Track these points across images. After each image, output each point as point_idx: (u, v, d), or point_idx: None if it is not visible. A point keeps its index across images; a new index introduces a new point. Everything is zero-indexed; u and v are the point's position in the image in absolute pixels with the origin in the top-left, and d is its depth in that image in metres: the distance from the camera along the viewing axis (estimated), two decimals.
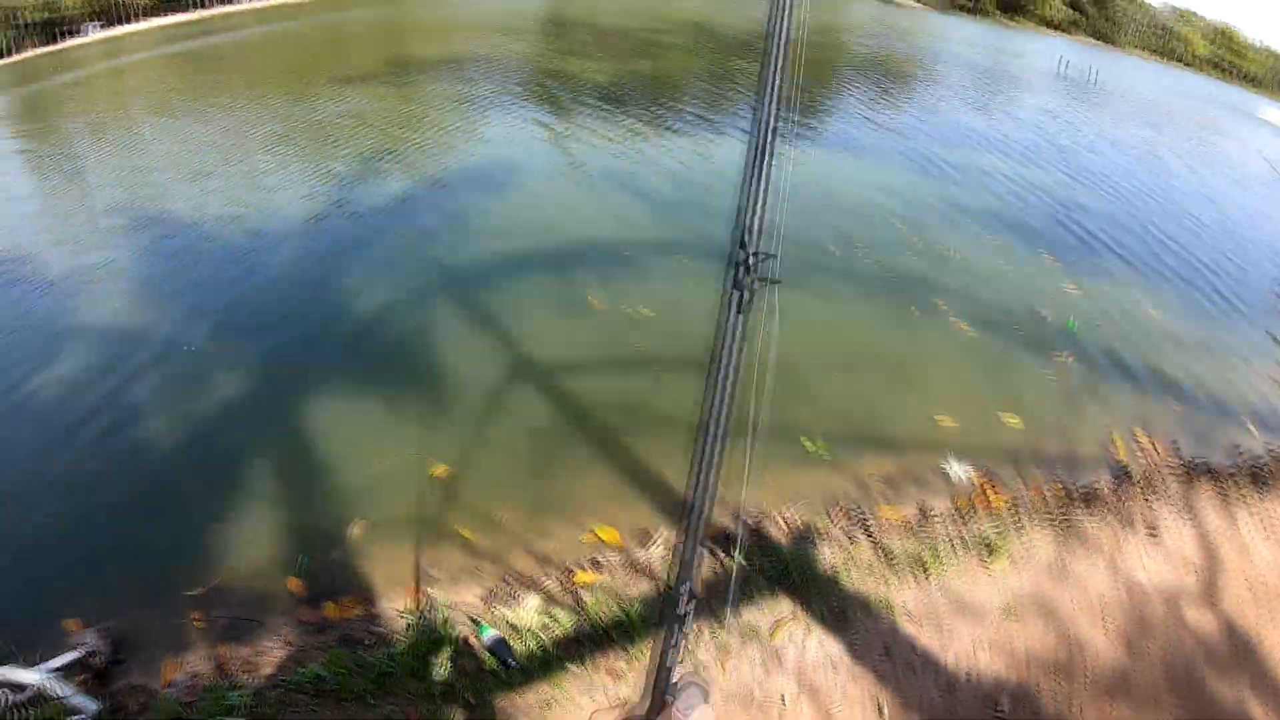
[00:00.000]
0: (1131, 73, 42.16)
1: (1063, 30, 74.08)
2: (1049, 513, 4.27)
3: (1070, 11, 76.67)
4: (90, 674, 3.57)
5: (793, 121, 13.74)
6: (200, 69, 29.65)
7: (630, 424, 5.16)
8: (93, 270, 7.84)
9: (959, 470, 4.71)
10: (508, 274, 7.34)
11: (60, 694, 3.32)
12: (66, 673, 3.45)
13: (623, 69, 19.71)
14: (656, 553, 4.02)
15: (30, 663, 3.43)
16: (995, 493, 4.59)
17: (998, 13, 74.43)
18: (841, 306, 6.90)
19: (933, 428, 5.20)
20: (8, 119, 24.70)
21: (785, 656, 3.25)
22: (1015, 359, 6.24)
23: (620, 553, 4.03)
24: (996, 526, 4.10)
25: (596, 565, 4.03)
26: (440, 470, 4.71)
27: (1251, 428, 5.78)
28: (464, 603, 3.75)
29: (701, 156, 11.39)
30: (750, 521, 4.20)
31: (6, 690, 3.37)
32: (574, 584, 3.90)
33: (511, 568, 4.00)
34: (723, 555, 3.87)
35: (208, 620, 3.80)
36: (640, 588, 3.73)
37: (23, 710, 3.28)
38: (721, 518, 4.24)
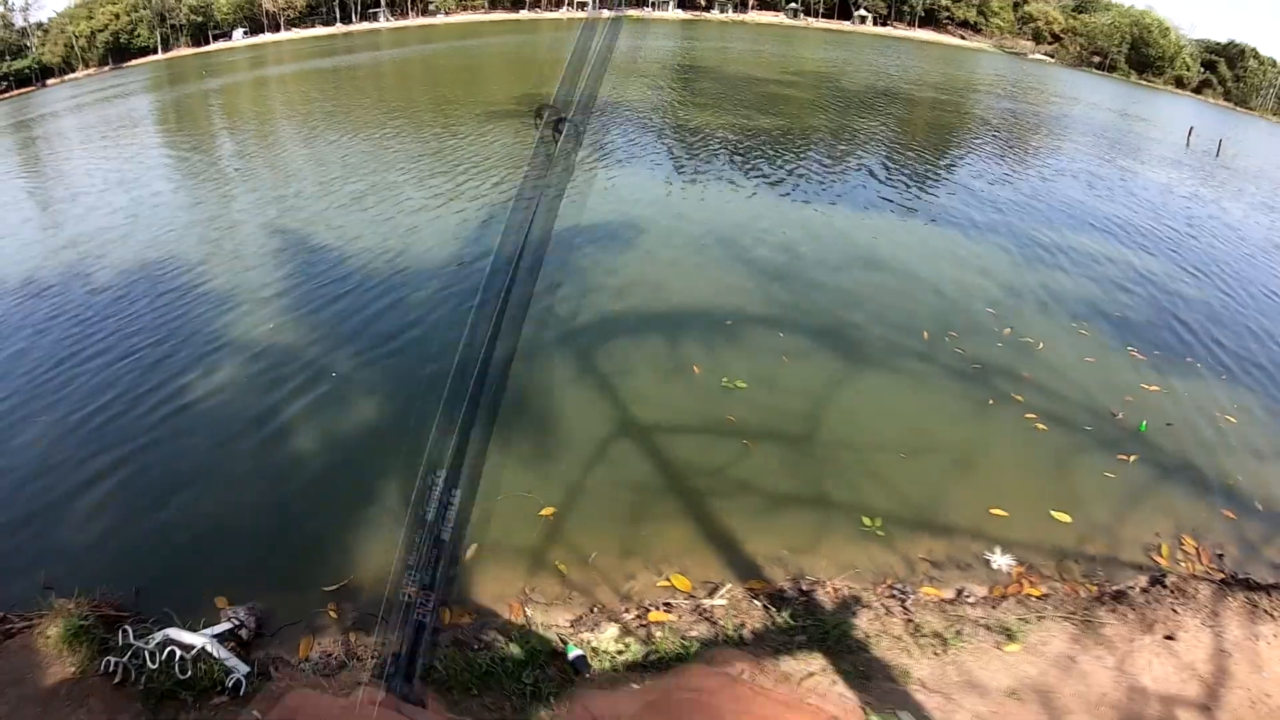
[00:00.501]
0: (1265, 144, 39.21)
1: (1195, 91, 69.62)
2: (1073, 609, 4.75)
3: (1203, 72, 71.94)
4: (237, 643, 4.45)
5: (904, 191, 14.20)
6: (341, 87, 32.48)
7: (714, 486, 6.02)
8: (251, 287, 9.36)
9: (1001, 560, 5.24)
10: (619, 332, 8.37)
11: (219, 656, 4.17)
12: (220, 639, 4.34)
13: (747, 124, 20.63)
14: (720, 603, 4.76)
15: (192, 628, 4.37)
16: (1030, 584, 5.09)
17: (1130, 70, 70.82)
18: (922, 393, 7.48)
19: (986, 517, 5.73)
20: (161, 123, 27.88)
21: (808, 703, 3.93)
22: (1080, 456, 6.63)
23: (689, 599, 4.79)
24: (1022, 615, 4.64)
25: (668, 607, 4.82)
26: (548, 510, 5.62)
27: None
28: (556, 624, 4.62)
29: (812, 229, 12.08)
30: (805, 586, 4.88)
31: (176, 647, 4.15)
32: (647, 620, 4.69)
33: (597, 600, 4.88)
34: (775, 613, 4.58)
35: (339, 610, 4.85)
36: (700, 629, 4.48)
37: (190, 665, 4.07)
38: (779, 578, 4.97)
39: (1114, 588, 5.17)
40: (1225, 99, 69.33)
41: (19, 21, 78.92)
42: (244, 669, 4.14)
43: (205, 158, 18.88)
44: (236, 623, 4.58)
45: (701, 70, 33.27)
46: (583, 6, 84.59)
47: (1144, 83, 67.96)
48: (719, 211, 12.61)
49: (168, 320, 9.06)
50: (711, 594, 4.96)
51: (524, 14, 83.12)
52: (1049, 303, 9.81)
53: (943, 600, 4.88)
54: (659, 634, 4.54)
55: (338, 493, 6.13)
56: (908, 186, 15.19)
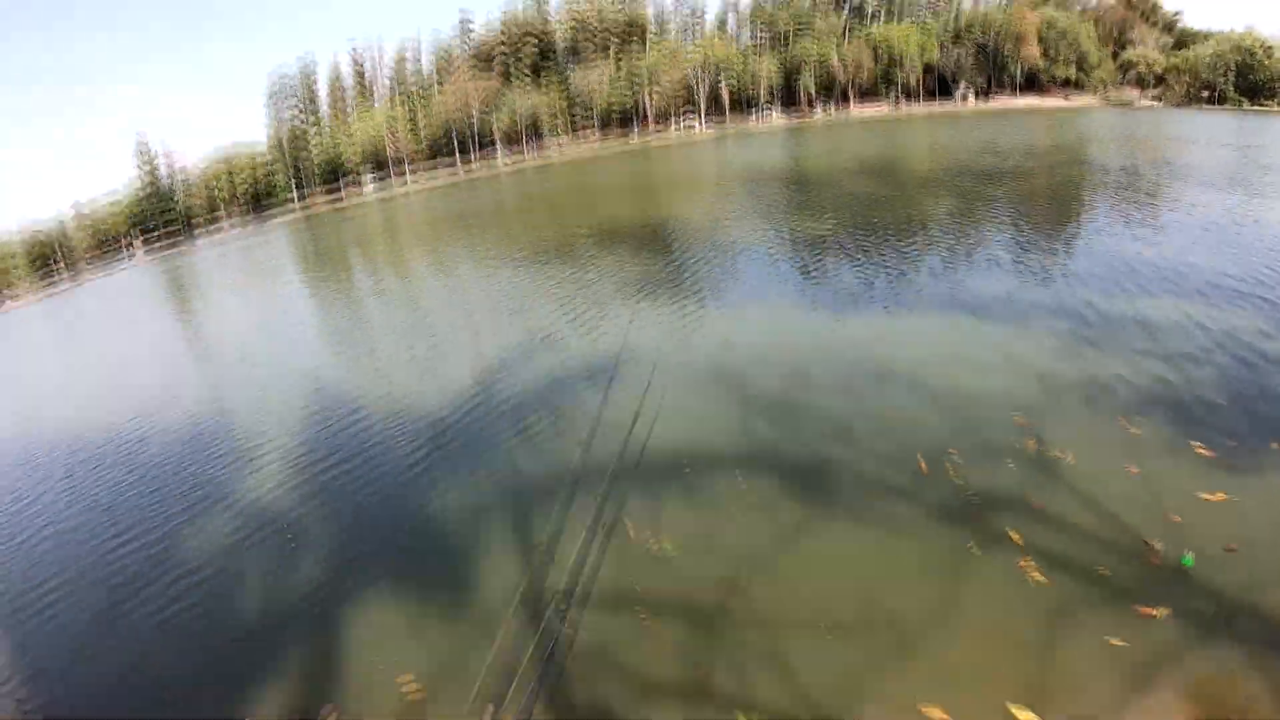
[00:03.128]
0: None
1: None
2: None
3: None
4: None
5: (948, 282, 12.59)
6: (469, 227, 34.78)
7: (590, 670, 5.18)
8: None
9: None
10: (569, 488, 7.61)
11: None
12: None
13: (796, 231, 19.38)
14: None
15: None
16: None
17: (1241, 99, 63.50)
18: (888, 545, 6.23)
19: (913, 718, 4.30)
20: (302, 266, 30.45)
21: None
22: (1082, 617, 5.09)
23: None
24: None
25: None
26: (412, 688, 4.93)
27: None
28: None
29: (828, 345, 11.09)
30: None
31: None
32: None
33: None
34: None
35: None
36: None
37: None
38: None
39: None
40: None
41: (164, 169, 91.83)
42: None
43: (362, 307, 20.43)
44: None
45: (778, 180, 32.57)
46: (691, 128, 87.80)
47: (1259, 108, 60.72)
48: (729, 338, 11.66)
49: None
50: None
51: (633, 140, 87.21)
52: (1096, 397, 8.07)
53: None
54: None
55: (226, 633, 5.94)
56: (959, 275, 13.49)
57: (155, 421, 12.92)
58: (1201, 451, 6.75)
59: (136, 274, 55.69)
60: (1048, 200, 20.97)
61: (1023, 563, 5.61)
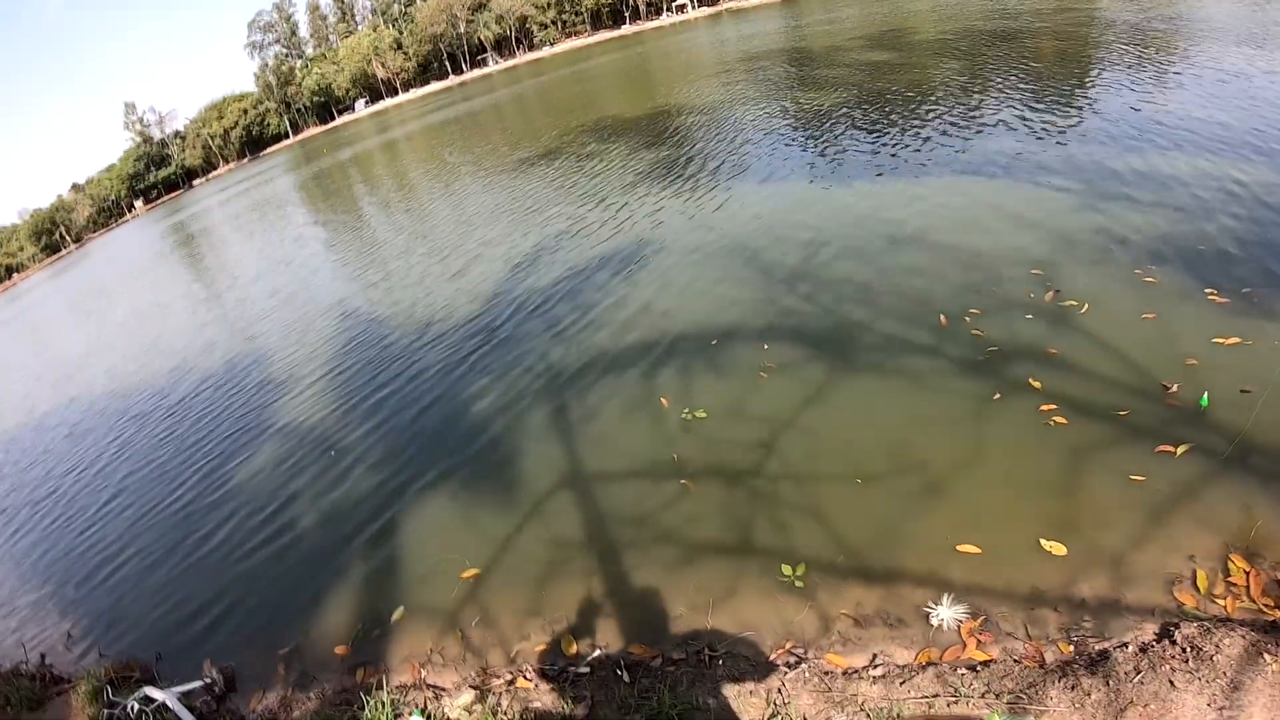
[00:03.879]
0: None
1: None
2: (1014, 683, 3.48)
3: None
4: (211, 697, 5.05)
5: (962, 145, 12.21)
6: (465, 135, 33.72)
7: (637, 537, 5.54)
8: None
9: (945, 614, 4.05)
10: (604, 372, 8.25)
11: (175, 708, 4.69)
12: (191, 695, 4.94)
13: (809, 105, 18.66)
14: (583, 670, 4.06)
15: (169, 686, 4.93)
16: (980, 645, 3.84)
17: None
18: (912, 398, 6.16)
19: (949, 555, 4.53)
20: (306, 200, 30.21)
21: None
22: (1103, 456, 5.05)
23: (563, 662, 4.24)
24: (934, 692, 3.45)
25: (541, 674, 4.20)
26: (471, 572, 5.55)
27: None
28: (444, 686, 4.47)
29: (844, 213, 10.85)
30: (675, 656, 3.99)
31: (139, 701, 4.83)
32: (515, 686, 4.12)
33: (488, 662, 4.54)
34: (627, 686, 3.83)
35: (288, 669, 5.20)
36: (547, 700, 3.84)
37: (148, 716, 4.73)
38: (668, 640, 4.21)
39: (1097, 646, 3.77)
40: None
41: (157, 134, 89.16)
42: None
43: (354, 223, 20.00)
44: (209, 679, 5.11)
45: (779, 52, 31.14)
46: (682, 9, 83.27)
47: None
48: (744, 215, 11.41)
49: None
50: (576, 661, 4.19)
51: (626, 29, 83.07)
52: (1112, 248, 7.76)
53: (844, 670, 3.75)
54: (506, 703, 3.88)
55: (298, 559, 6.64)
56: (968, 138, 12.96)
57: (193, 367, 13.02)
58: (1215, 298, 6.50)
59: (136, 227, 54.50)
60: (1056, 59, 19.94)
61: (1044, 408, 5.54)
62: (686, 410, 6.65)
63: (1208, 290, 6.78)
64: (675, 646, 4.22)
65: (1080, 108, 13.64)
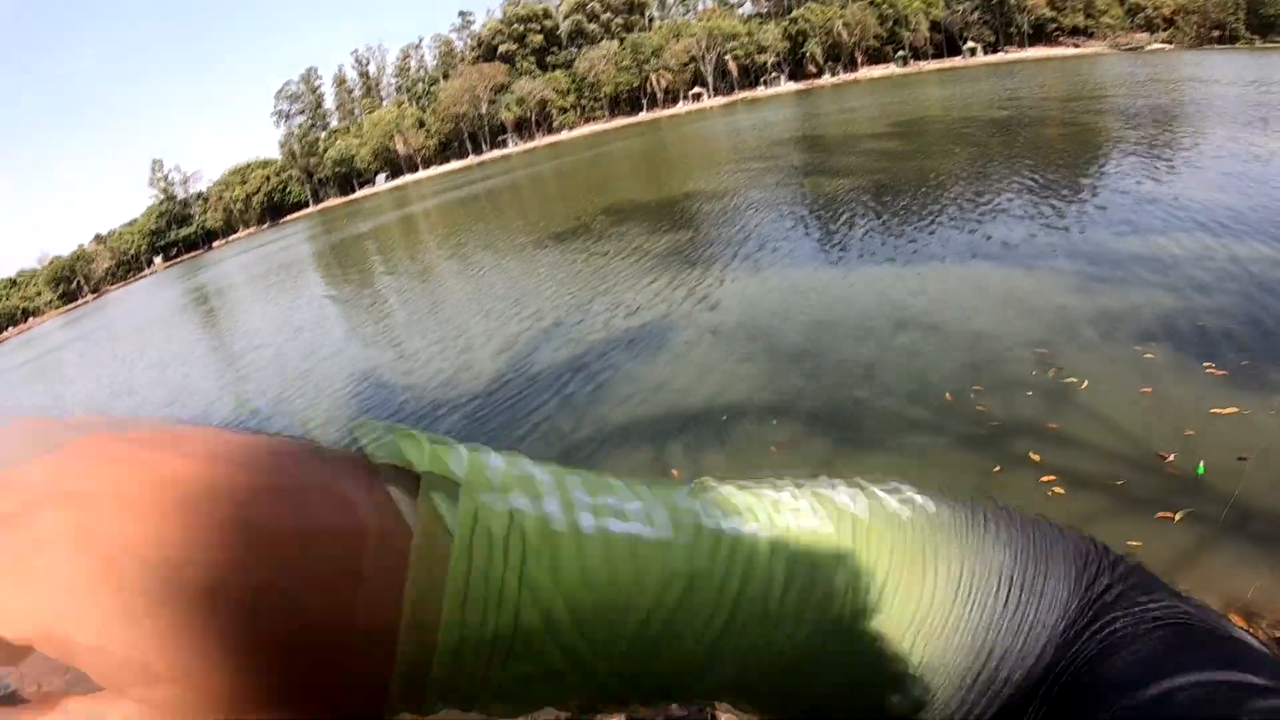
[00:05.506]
0: None
1: None
2: None
3: None
4: None
5: (968, 230, 12.89)
6: (480, 213, 35.23)
7: None
8: None
9: None
10: (618, 442, 8.39)
11: None
12: None
13: (823, 188, 19.67)
14: None
15: None
16: None
17: (1253, 36, 63.14)
18: (918, 470, 6.52)
19: None
20: (325, 268, 31.33)
21: None
22: (1101, 523, 5.36)
23: None
24: None
25: None
26: None
27: None
28: None
29: (848, 296, 11.46)
30: None
31: None
32: None
33: None
34: None
35: None
36: None
37: None
38: None
39: None
40: None
41: (180, 193, 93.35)
42: None
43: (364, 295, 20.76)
44: None
45: (792, 140, 32.75)
46: (698, 98, 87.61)
47: (1272, 45, 60.41)
48: (755, 297, 12.11)
49: None
50: None
51: (643, 115, 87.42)
52: (1111, 328, 8.31)
53: None
54: None
55: None
56: (975, 223, 13.74)
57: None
58: (1213, 371, 6.97)
59: (154, 282, 56.48)
60: (1061, 145, 21.00)
61: (1044, 479, 5.93)
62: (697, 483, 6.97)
63: (1206, 364, 7.22)
64: None
65: (1084, 192, 14.44)
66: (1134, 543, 5.11)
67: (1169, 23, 71.50)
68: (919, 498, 0.53)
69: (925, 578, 0.43)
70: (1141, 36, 71.24)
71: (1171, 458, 5.90)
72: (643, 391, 9.50)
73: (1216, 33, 66.67)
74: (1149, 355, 7.53)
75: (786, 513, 0.44)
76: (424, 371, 12.60)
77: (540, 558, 0.32)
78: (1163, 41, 69.57)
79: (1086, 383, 7.22)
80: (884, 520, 0.48)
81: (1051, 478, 5.94)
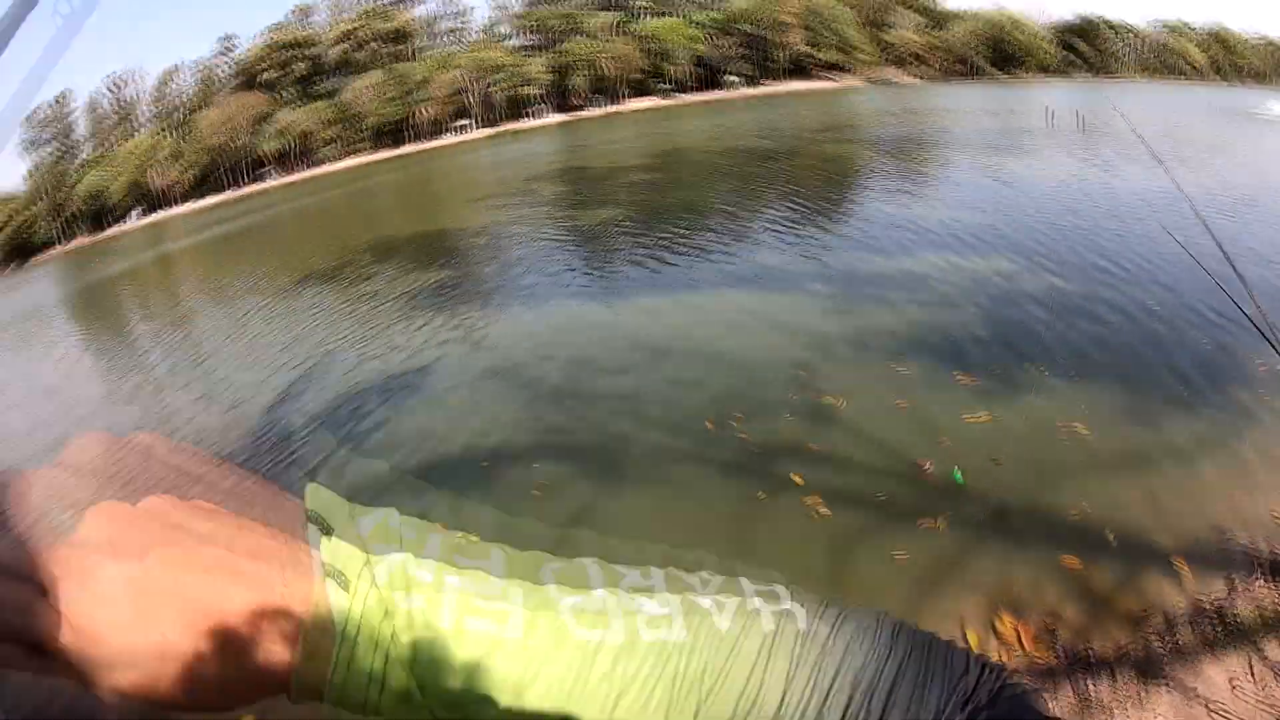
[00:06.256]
0: (1129, 103, 42.85)
1: (1060, 73, 78.11)
2: None
3: (1064, 52, 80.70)
4: None
5: (718, 258, 13.72)
6: (240, 251, 33.24)
7: None
8: None
9: None
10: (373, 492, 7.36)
11: None
12: None
13: (574, 223, 20.23)
14: None
15: None
16: None
17: (995, 71, 78.55)
18: (678, 504, 6.58)
19: None
20: (71, 315, 28.09)
21: None
22: (867, 539, 5.66)
23: None
24: None
25: None
26: None
27: (1184, 569, 4.91)
28: None
29: (607, 330, 11.65)
30: None
31: None
32: None
33: None
34: None
35: None
36: None
37: None
38: None
39: None
40: (1091, 73, 77.44)
41: None
42: None
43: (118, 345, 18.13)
44: None
45: (555, 173, 34.00)
46: (464, 129, 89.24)
47: (1011, 77, 74.98)
48: (515, 336, 12.02)
49: None
50: None
51: (407, 148, 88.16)
52: (866, 346, 9.17)
53: None
54: None
55: None
56: (733, 251, 14.86)
57: None
58: (964, 380, 7.84)
59: None
60: (818, 173, 23.48)
61: (807, 500, 6.19)
62: (461, 534, 6.57)
63: (956, 374, 8.07)
64: None
65: (837, 218, 16.10)
66: (900, 554, 5.41)
67: (918, 58, 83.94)
68: (792, 606, 0.59)
69: (782, 690, 0.51)
70: (893, 71, 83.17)
71: (930, 466, 6.42)
72: (406, 441, 8.97)
73: (961, 67, 79.42)
74: (902, 369, 8.31)
75: (644, 624, 0.53)
76: (187, 430, 11.23)
77: (404, 648, 0.47)
78: (913, 75, 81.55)
79: (844, 401, 7.76)
80: (747, 632, 0.54)
81: (815, 498, 6.20)
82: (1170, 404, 7.20)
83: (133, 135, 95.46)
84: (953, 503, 5.95)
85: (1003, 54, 79.89)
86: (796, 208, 17.95)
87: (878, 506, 6.03)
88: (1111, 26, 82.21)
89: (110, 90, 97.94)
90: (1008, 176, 19.30)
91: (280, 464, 9.14)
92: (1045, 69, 79.24)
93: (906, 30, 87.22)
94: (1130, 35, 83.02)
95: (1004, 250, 12.33)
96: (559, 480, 7.32)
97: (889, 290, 10.99)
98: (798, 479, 6.51)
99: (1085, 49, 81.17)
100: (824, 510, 6.05)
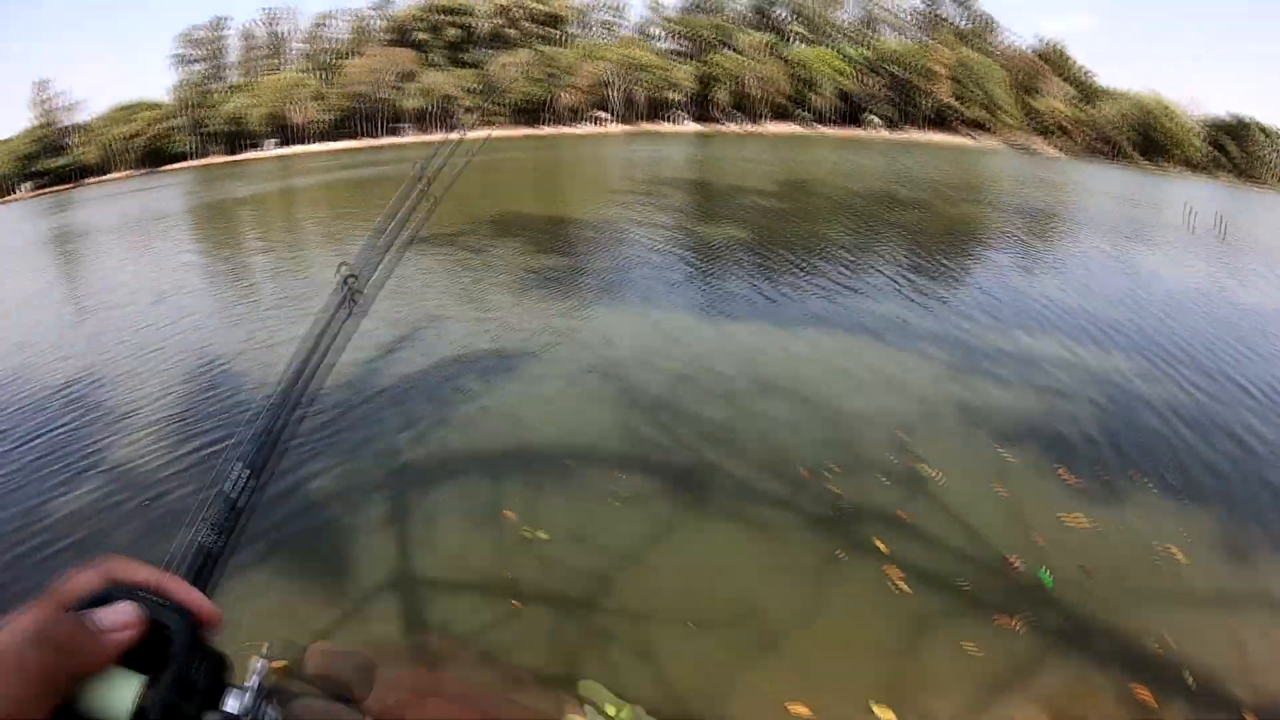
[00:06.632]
0: (1273, 218, 40.16)
1: (1205, 170, 73.67)
2: None
3: (1212, 150, 76.02)
4: None
5: (847, 301, 13.63)
6: (366, 200, 34.83)
7: (455, 652, 5.21)
8: None
9: None
10: (451, 473, 8.11)
11: None
12: None
13: (714, 237, 20.34)
14: None
15: None
16: None
17: (1138, 157, 74.89)
18: (761, 547, 6.69)
19: (778, 715, 4.73)
20: (193, 235, 30.02)
21: None
22: (942, 624, 5.66)
23: None
24: None
25: None
26: (279, 664, 5.21)
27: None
28: None
29: (724, 352, 11.58)
30: None
31: None
32: None
33: None
34: None
35: None
36: None
37: None
38: None
39: None
40: (1235, 175, 73.30)
41: (61, 121, 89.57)
42: None
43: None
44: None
45: (685, 181, 34.24)
46: (601, 121, 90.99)
47: (1154, 167, 71.62)
48: (620, 337, 12.23)
49: None
50: None
51: (544, 129, 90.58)
52: (974, 421, 9.04)
53: None
54: None
55: None
56: (851, 294, 14.71)
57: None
58: (1067, 478, 7.68)
59: (18, 209, 54.13)
60: (945, 231, 23.05)
61: (886, 569, 6.19)
62: (527, 528, 6.83)
63: (1060, 470, 7.89)
64: None
65: (960, 280, 15.77)
66: (972, 647, 5.37)
67: (1063, 130, 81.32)
68: None
69: None
70: (1035, 139, 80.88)
71: (1018, 562, 6.32)
72: (491, 421, 9.26)
73: (1105, 147, 76.57)
74: (1005, 454, 8.17)
75: None
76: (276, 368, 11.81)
77: None
78: (1054, 147, 79.05)
79: (942, 475, 7.68)
80: None
81: (896, 570, 6.19)
82: (1275, 548, 6.91)
83: (280, 69, 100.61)
84: (1035, 605, 5.86)
85: (1149, 140, 76.66)
86: (921, 262, 17.72)
87: (958, 593, 5.98)
88: (1264, 131, 78.01)
89: (265, 22, 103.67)
90: (1143, 271, 18.66)
91: (359, 413, 9.52)
92: (1190, 163, 75.69)
93: (1055, 99, 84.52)
94: None
95: (1126, 348, 11.97)
96: (642, 496, 7.48)
97: (1004, 367, 10.81)
98: (882, 546, 6.50)
99: (1234, 149, 77.22)
100: (903, 584, 6.03)
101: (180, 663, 0.62)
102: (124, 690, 0.58)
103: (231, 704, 0.66)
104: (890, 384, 10.11)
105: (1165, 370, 11.13)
